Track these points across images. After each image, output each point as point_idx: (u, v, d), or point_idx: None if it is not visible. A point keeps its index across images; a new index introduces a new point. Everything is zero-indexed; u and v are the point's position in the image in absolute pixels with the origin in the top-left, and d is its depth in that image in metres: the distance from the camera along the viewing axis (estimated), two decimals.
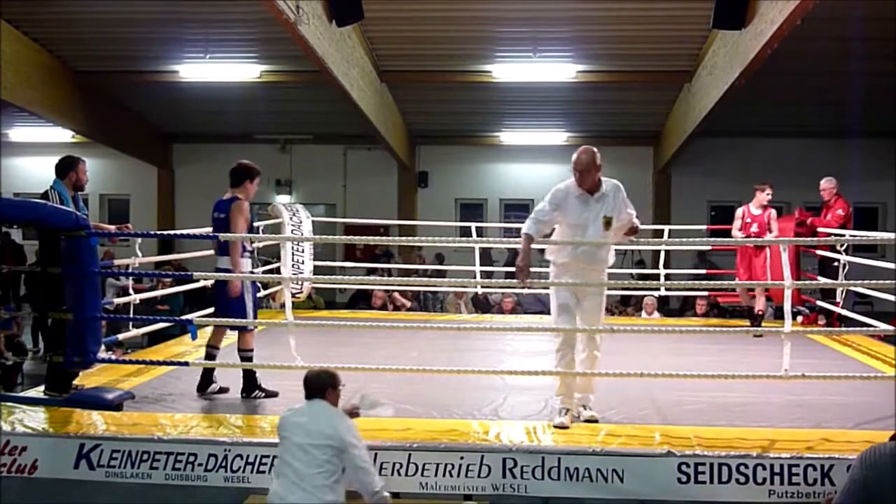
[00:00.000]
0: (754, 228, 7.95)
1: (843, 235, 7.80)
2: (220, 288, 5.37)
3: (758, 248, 7.93)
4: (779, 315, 8.89)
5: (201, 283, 7.26)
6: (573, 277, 4.85)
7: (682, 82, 12.90)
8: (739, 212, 8.20)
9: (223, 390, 5.43)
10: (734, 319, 9.97)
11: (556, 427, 4.67)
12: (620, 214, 4.82)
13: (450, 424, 4.69)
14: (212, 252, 7.27)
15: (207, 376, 5.43)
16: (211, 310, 6.19)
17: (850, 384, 5.44)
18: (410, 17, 11.00)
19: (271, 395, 5.33)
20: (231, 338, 5.73)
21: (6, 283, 11.71)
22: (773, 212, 8.08)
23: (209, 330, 5.71)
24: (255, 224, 9.06)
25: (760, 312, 8.10)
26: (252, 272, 5.57)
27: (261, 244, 8.74)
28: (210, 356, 5.46)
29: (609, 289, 10.30)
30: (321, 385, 3.82)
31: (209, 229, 5.54)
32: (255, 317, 5.59)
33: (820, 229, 8.11)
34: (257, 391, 5.33)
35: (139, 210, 17.05)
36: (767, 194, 8.01)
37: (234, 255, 5.26)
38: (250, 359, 5.41)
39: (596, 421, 4.81)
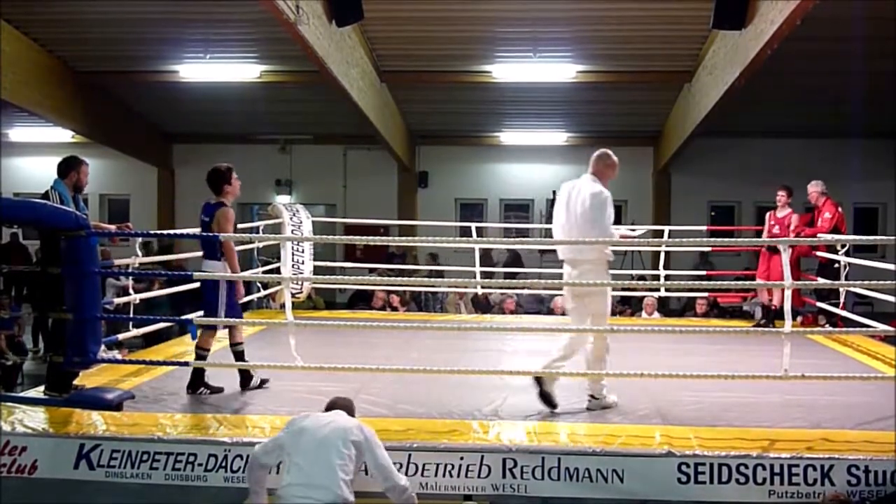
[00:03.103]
0: (776, 230, 8.32)
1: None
2: (212, 291, 5.36)
3: (770, 249, 8.14)
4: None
5: (199, 284, 7.25)
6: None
7: (682, 82, 12.90)
8: (767, 215, 8.62)
9: (216, 391, 5.40)
10: (734, 319, 9.97)
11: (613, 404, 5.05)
12: None
13: (450, 424, 4.69)
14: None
15: (199, 377, 5.40)
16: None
17: (850, 384, 5.45)
18: (410, 17, 11.00)
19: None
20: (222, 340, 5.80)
21: (13, 283, 11.73)
22: (795, 216, 8.34)
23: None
24: (256, 224, 9.10)
25: (776, 307, 8.33)
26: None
27: (261, 244, 8.76)
28: (200, 357, 5.42)
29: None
30: (346, 404, 4.18)
31: None
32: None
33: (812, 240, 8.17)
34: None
35: (139, 210, 17.04)
36: (778, 197, 8.36)
37: (233, 260, 5.31)
38: (242, 352, 5.51)
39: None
